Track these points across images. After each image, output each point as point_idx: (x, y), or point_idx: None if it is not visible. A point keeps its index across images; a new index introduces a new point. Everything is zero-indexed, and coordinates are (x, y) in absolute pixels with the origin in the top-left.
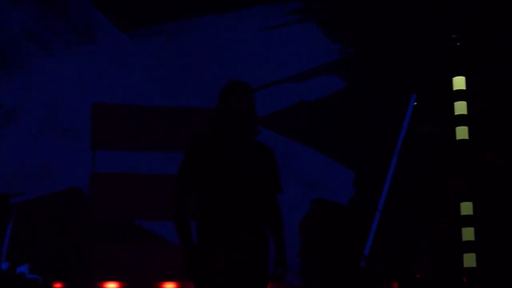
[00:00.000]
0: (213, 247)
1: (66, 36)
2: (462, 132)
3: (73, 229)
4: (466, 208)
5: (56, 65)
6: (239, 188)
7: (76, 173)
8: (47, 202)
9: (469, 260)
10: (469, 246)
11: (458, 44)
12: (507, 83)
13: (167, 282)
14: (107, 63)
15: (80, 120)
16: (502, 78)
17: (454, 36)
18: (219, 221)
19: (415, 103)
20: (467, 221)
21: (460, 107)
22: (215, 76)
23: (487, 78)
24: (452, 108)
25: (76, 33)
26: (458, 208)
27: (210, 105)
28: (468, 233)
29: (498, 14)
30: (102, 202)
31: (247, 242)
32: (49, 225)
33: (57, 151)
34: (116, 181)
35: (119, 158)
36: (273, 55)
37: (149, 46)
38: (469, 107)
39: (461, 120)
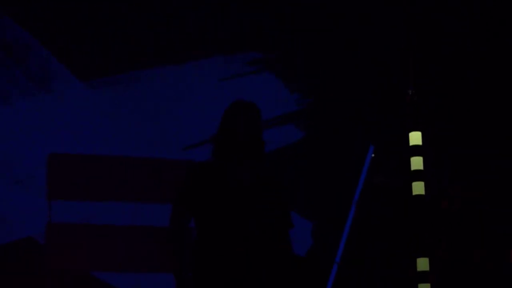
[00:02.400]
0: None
1: (23, 85)
2: (418, 188)
3: (28, 279)
4: (423, 264)
5: (12, 114)
6: (244, 220)
7: (32, 223)
8: (1, 253)
9: None
10: None
11: (415, 99)
12: None
13: None
14: (65, 112)
15: (36, 170)
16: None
17: (411, 91)
18: (220, 260)
19: (373, 155)
20: (423, 277)
21: (416, 163)
22: (174, 126)
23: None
24: (408, 163)
25: (33, 82)
26: (414, 264)
27: (170, 156)
28: None
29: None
30: (58, 252)
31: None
32: (3, 276)
33: (12, 201)
34: (73, 232)
35: (76, 209)
36: (232, 97)
37: (107, 95)
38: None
39: (417, 175)
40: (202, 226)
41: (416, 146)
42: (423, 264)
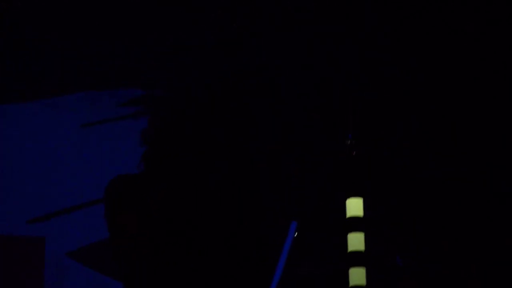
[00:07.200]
0: None
1: None
2: (358, 276)
3: None
4: None
5: None
6: None
7: None
8: None
9: None
10: None
11: (355, 153)
12: None
13: None
14: None
15: None
16: None
17: (350, 141)
18: None
19: (295, 234)
20: None
21: (356, 241)
22: (17, 188)
23: None
24: (345, 242)
25: None
26: None
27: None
28: None
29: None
30: None
31: None
32: None
33: None
34: None
35: None
36: (100, 153)
37: None
38: None
39: (356, 259)
40: None
41: (355, 219)
42: None
